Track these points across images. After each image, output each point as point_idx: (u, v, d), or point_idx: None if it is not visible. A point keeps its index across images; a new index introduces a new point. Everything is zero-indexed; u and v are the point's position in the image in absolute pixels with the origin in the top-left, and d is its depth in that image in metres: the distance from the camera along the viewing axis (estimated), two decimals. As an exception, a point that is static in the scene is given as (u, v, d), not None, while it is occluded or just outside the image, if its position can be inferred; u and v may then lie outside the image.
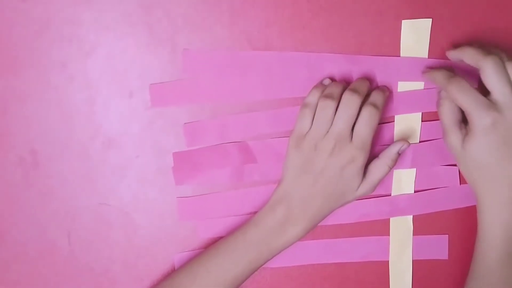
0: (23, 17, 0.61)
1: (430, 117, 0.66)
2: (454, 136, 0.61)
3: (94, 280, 0.66)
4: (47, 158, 0.64)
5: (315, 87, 0.63)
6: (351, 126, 0.60)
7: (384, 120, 0.65)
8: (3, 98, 0.62)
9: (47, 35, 0.62)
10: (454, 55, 0.62)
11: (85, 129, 0.64)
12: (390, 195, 0.67)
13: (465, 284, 0.63)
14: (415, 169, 0.67)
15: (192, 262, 0.63)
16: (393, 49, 0.64)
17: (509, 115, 0.57)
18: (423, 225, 0.68)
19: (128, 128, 0.64)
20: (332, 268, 0.68)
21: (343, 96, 0.60)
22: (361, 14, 0.63)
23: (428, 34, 0.63)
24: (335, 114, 0.60)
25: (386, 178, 0.65)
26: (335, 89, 0.61)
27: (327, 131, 0.60)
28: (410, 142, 0.65)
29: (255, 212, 0.64)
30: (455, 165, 0.66)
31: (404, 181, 0.67)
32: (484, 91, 0.58)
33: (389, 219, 0.68)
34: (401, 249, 0.68)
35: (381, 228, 0.68)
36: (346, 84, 0.62)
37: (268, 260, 0.62)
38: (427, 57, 0.64)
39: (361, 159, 0.60)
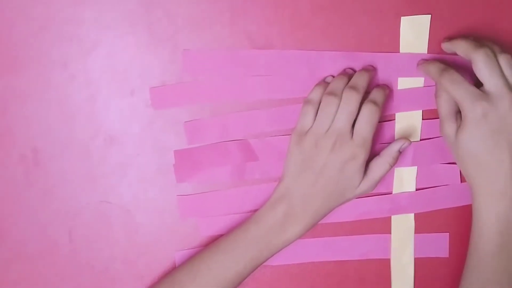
0: (23, 16, 0.61)
1: (431, 115, 0.66)
2: (448, 127, 0.61)
3: (95, 278, 0.66)
4: (48, 157, 0.64)
5: (318, 84, 0.63)
6: (352, 123, 0.60)
7: (385, 118, 0.65)
8: (4, 97, 0.63)
9: (47, 34, 0.62)
10: (448, 47, 0.62)
11: (86, 127, 0.64)
12: (391, 193, 0.67)
13: (461, 276, 0.63)
14: (416, 167, 0.67)
15: (193, 260, 0.63)
16: (393, 46, 0.64)
17: (500, 105, 0.58)
18: (424, 223, 0.68)
19: (129, 126, 0.64)
20: (332, 266, 0.68)
21: (343, 93, 0.61)
22: (360, 12, 0.63)
23: (427, 30, 0.63)
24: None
25: (387, 176, 0.65)
26: (339, 85, 0.61)
27: (329, 128, 0.60)
28: (411, 140, 0.65)
29: (256, 210, 0.64)
30: (455, 163, 0.66)
31: (405, 179, 0.67)
32: (479, 83, 0.59)
33: (390, 217, 0.68)
34: (402, 247, 0.68)
35: (381, 226, 0.68)
36: (349, 78, 0.62)
37: (269, 257, 0.63)
38: (426, 53, 0.64)
39: (362, 157, 0.60)
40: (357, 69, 0.64)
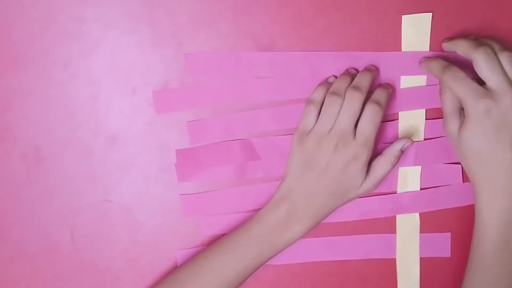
0: (25, 15, 0.61)
1: (434, 115, 0.66)
2: (451, 124, 0.61)
3: (97, 276, 0.66)
4: (50, 155, 0.64)
5: (320, 84, 0.63)
6: (355, 123, 0.61)
7: (387, 118, 0.65)
8: (6, 95, 0.62)
9: (49, 33, 0.62)
10: (448, 47, 0.62)
11: (88, 126, 0.64)
12: (395, 193, 0.67)
13: (464, 274, 0.63)
14: (420, 166, 0.67)
15: (195, 259, 0.63)
16: (395, 45, 0.64)
17: (503, 102, 0.58)
18: (426, 223, 0.68)
19: (131, 125, 0.64)
20: (335, 265, 0.68)
21: (346, 93, 0.61)
22: (362, 11, 0.63)
23: (429, 28, 0.63)
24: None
25: (390, 175, 0.65)
26: (342, 85, 0.61)
27: (331, 128, 0.60)
28: (414, 140, 0.65)
29: (258, 209, 0.64)
30: (458, 163, 0.66)
31: (410, 178, 0.67)
32: (482, 81, 0.59)
33: (393, 217, 0.68)
34: (408, 247, 0.68)
35: (384, 225, 0.68)
36: (352, 78, 0.62)
37: (271, 257, 0.63)
38: (428, 51, 0.64)
39: (364, 156, 0.60)
40: (359, 68, 0.64)
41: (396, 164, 0.63)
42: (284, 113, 0.65)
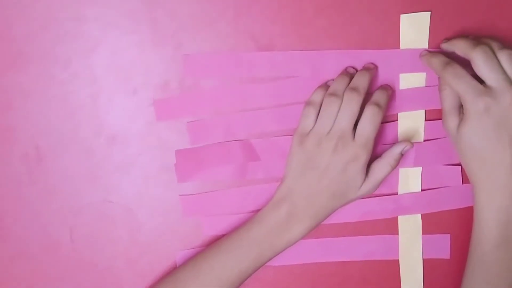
0: (26, 14, 0.61)
1: (434, 116, 0.65)
2: (451, 120, 0.61)
3: (97, 276, 0.66)
4: (51, 155, 0.64)
5: (319, 87, 0.64)
6: (353, 124, 0.61)
7: (387, 119, 0.65)
8: (7, 94, 0.63)
9: (50, 32, 0.62)
10: (447, 47, 0.62)
11: (88, 125, 0.64)
12: (396, 194, 0.67)
13: (463, 273, 0.63)
14: (421, 167, 0.66)
15: (196, 259, 0.63)
16: (395, 44, 0.64)
17: (502, 100, 0.58)
18: (425, 224, 0.68)
19: (132, 124, 0.64)
20: (336, 266, 0.68)
21: (344, 94, 0.61)
22: (362, 10, 0.63)
23: (428, 27, 0.63)
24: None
25: (391, 176, 0.65)
26: (340, 86, 0.62)
27: (331, 129, 0.60)
28: (414, 141, 0.65)
29: (258, 210, 0.64)
30: (457, 164, 0.66)
31: (411, 179, 0.67)
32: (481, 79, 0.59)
33: (394, 217, 0.67)
34: (410, 247, 0.68)
35: (385, 226, 0.67)
36: (350, 78, 0.62)
37: (271, 258, 0.62)
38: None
39: (363, 157, 0.60)
40: (358, 67, 0.64)
41: (395, 167, 0.63)
42: (284, 114, 0.65)
